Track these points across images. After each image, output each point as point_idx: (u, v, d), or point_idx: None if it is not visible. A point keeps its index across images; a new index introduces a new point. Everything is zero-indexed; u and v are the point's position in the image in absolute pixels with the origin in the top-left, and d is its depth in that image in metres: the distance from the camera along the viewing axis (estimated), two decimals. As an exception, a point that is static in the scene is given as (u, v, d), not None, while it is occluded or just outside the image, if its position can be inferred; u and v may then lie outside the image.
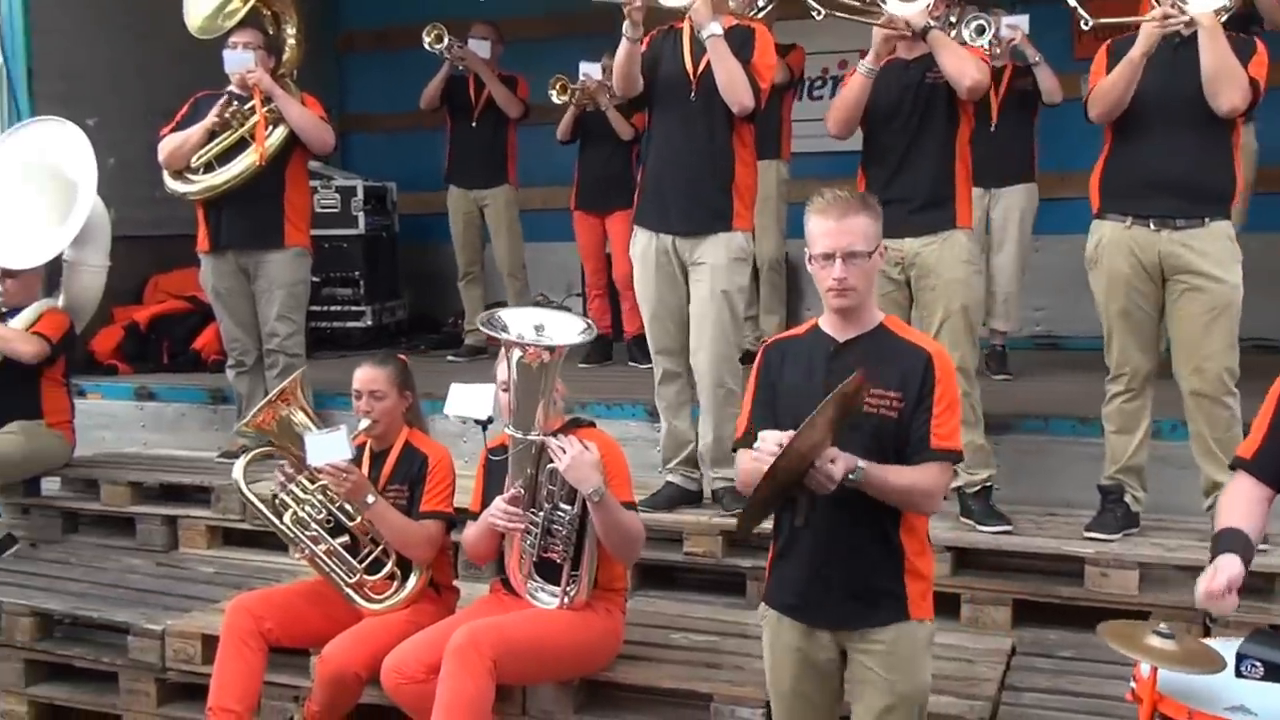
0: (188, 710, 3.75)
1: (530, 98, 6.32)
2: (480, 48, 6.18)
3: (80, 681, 3.99)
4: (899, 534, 2.50)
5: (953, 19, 4.29)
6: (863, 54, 3.79)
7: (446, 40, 6.17)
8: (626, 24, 3.80)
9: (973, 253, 3.84)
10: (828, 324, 2.58)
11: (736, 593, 3.89)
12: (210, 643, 3.57)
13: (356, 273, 6.97)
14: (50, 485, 5.09)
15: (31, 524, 5.00)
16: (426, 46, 6.16)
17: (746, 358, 4.60)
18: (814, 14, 3.62)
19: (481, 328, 3.09)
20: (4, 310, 4.92)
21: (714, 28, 3.78)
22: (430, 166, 6.66)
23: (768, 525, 2.60)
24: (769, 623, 2.63)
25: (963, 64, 3.62)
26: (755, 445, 2.37)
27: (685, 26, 3.93)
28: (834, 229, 2.46)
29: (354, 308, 6.99)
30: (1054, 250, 5.73)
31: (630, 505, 3.15)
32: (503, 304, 6.55)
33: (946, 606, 3.44)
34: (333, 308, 6.86)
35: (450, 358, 6.31)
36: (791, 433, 2.27)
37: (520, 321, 3.03)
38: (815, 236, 2.49)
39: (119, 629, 3.86)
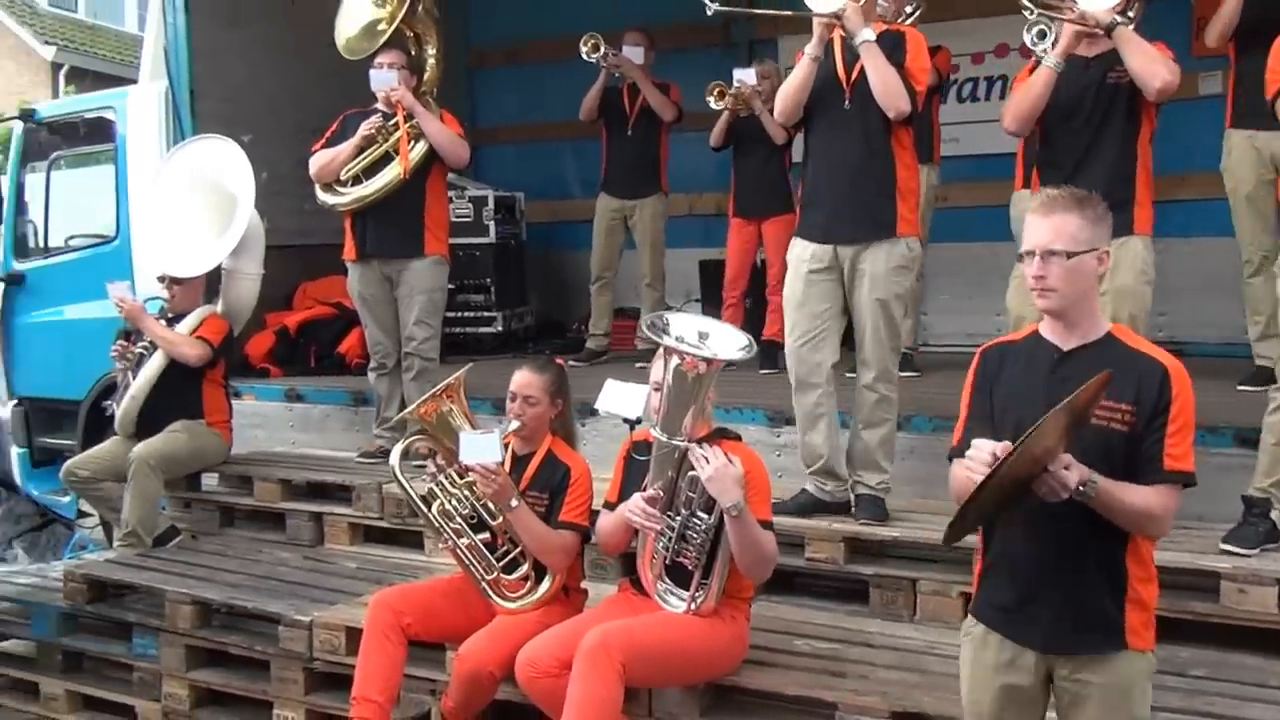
0: (333, 699, 3.84)
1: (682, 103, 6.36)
2: (635, 54, 6.24)
3: (235, 667, 4.14)
4: (1125, 557, 2.35)
5: (1130, 13, 4.06)
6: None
7: (603, 49, 6.26)
8: (813, 43, 3.81)
9: (1147, 262, 3.71)
10: (1049, 330, 2.44)
11: (858, 600, 3.85)
12: (354, 635, 3.69)
13: (488, 279, 7.12)
14: (209, 481, 5.34)
15: (192, 517, 5.28)
16: (584, 56, 6.25)
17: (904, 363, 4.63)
18: (1026, 12, 3.60)
19: (645, 330, 3.10)
20: (169, 316, 5.19)
21: (867, 34, 3.76)
22: (556, 176, 6.79)
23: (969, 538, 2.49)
24: (973, 639, 2.49)
25: (1152, 64, 3.53)
26: (968, 454, 2.26)
27: (836, 34, 3.90)
28: (1037, 225, 2.36)
29: (485, 313, 7.14)
30: (1175, 253, 5.52)
31: (767, 524, 3.13)
32: (637, 311, 6.68)
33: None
34: (465, 313, 7.01)
35: (571, 362, 6.40)
36: (1007, 444, 2.17)
37: (685, 327, 3.05)
38: (1025, 234, 2.40)
39: (271, 619, 4.01)
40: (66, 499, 6.39)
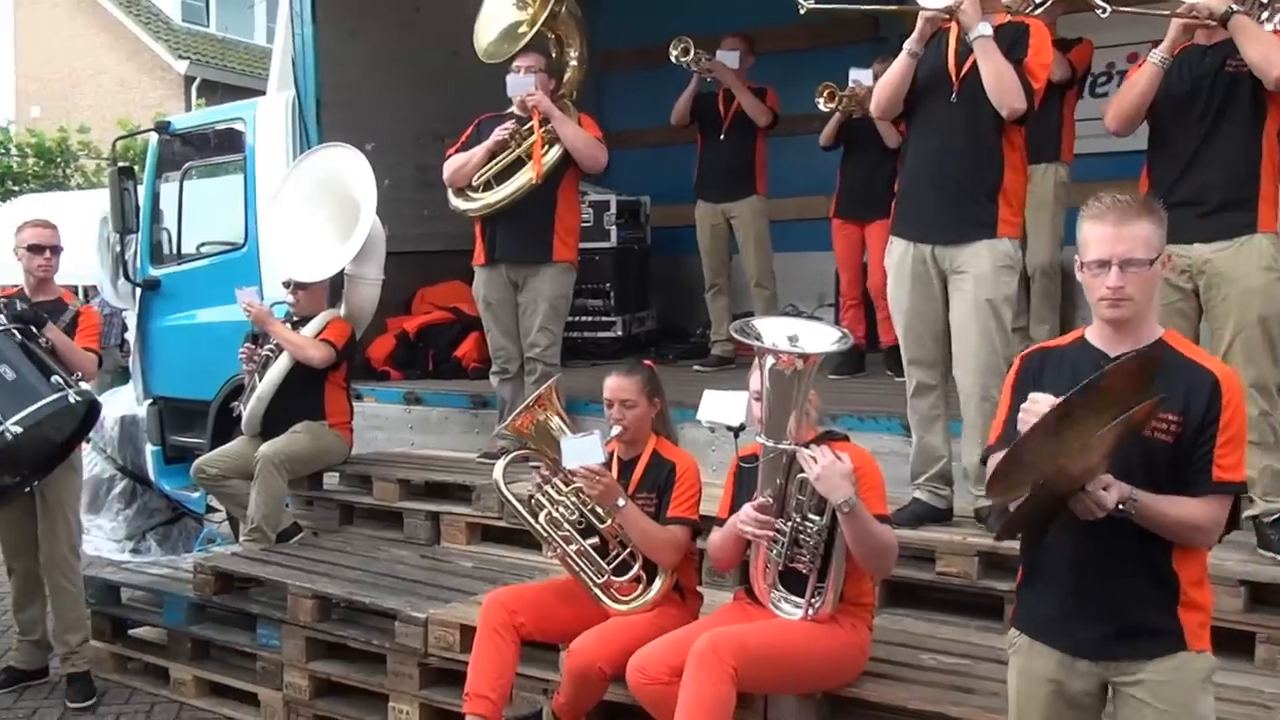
0: (447, 694, 3.89)
1: (783, 108, 6.29)
2: (729, 58, 6.19)
3: (353, 660, 4.22)
4: (1171, 563, 2.30)
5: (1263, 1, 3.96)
6: (1154, 45, 3.57)
7: (693, 53, 6.22)
8: (914, 37, 3.70)
9: (1276, 259, 3.49)
10: (1097, 336, 2.40)
11: (990, 616, 3.71)
12: (468, 632, 3.71)
13: (607, 284, 7.12)
14: (330, 480, 5.45)
15: (314, 515, 5.39)
16: (673, 60, 6.22)
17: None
18: (1099, 11, 3.45)
19: (734, 335, 3.07)
20: (294, 320, 5.31)
21: (983, 28, 3.61)
22: (682, 180, 6.75)
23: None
24: (1019, 649, 2.46)
25: (1270, 52, 3.33)
26: (1023, 406, 2.22)
27: (951, 26, 3.76)
28: (1111, 234, 2.28)
29: (604, 318, 7.15)
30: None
31: (884, 518, 3.07)
32: (750, 314, 6.61)
33: (1239, 646, 3.20)
34: (584, 318, 6.99)
35: (697, 368, 6.36)
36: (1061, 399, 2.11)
37: (774, 330, 3.01)
38: (1090, 242, 2.32)
39: (388, 615, 4.06)
40: (196, 495, 6.56)
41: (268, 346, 5.23)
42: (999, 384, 3.70)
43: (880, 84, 3.89)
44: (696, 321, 7.37)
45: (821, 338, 3.03)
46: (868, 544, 3.00)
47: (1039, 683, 2.40)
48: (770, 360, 2.94)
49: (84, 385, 4.43)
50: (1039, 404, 2.18)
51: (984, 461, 2.50)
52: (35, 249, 4.72)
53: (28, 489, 4.52)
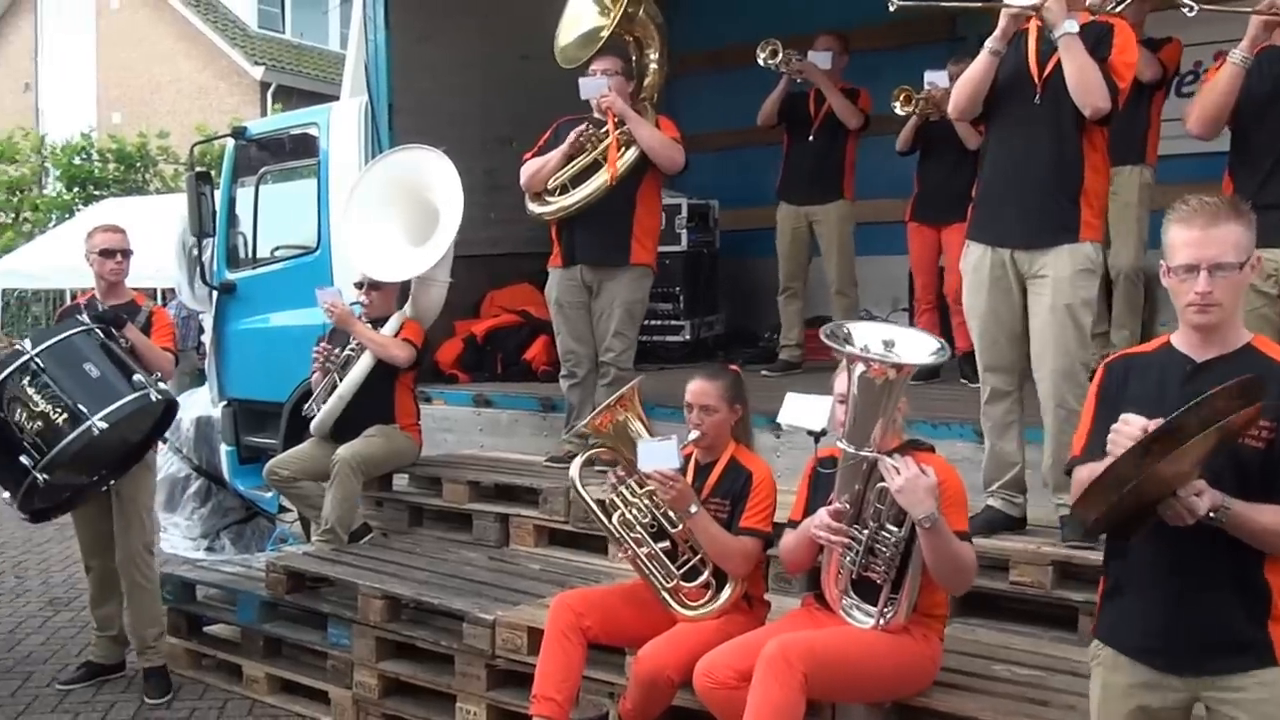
0: (514, 696, 3.90)
1: (871, 110, 6.22)
2: (821, 59, 6.11)
3: (421, 661, 4.24)
4: (1263, 574, 2.23)
5: None
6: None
7: (782, 55, 6.15)
8: (996, 35, 3.63)
9: None
10: (1183, 342, 2.34)
11: (1065, 627, 3.64)
12: (535, 634, 3.72)
13: (676, 288, 7.10)
14: (400, 482, 5.50)
15: (384, 516, 5.43)
16: (761, 62, 6.15)
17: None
18: (1185, 10, 3.37)
19: (825, 340, 2.99)
20: (366, 320, 5.32)
21: (1069, 26, 3.53)
22: (752, 183, 6.71)
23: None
24: (1102, 662, 2.39)
25: None
26: (1114, 427, 2.16)
27: (1032, 25, 3.69)
28: (1199, 238, 2.22)
29: (673, 322, 7.13)
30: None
31: (964, 535, 3.01)
32: (827, 319, 6.54)
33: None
34: (653, 322, 6.93)
35: (764, 372, 6.31)
36: (1158, 421, 2.05)
37: (869, 335, 2.95)
38: (1176, 246, 2.26)
39: (456, 616, 4.08)
40: (269, 495, 6.63)
41: (350, 347, 5.25)
42: (1076, 391, 3.67)
43: (959, 84, 3.82)
44: (765, 326, 7.32)
45: (918, 347, 2.95)
46: (946, 561, 2.94)
47: (1122, 697, 2.33)
48: (861, 367, 2.87)
49: (163, 385, 4.49)
50: (1131, 425, 2.12)
51: (1068, 472, 2.43)
52: (106, 253, 4.79)
53: (105, 488, 4.60)
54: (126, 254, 4.85)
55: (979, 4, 3.84)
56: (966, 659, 3.44)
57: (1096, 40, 3.60)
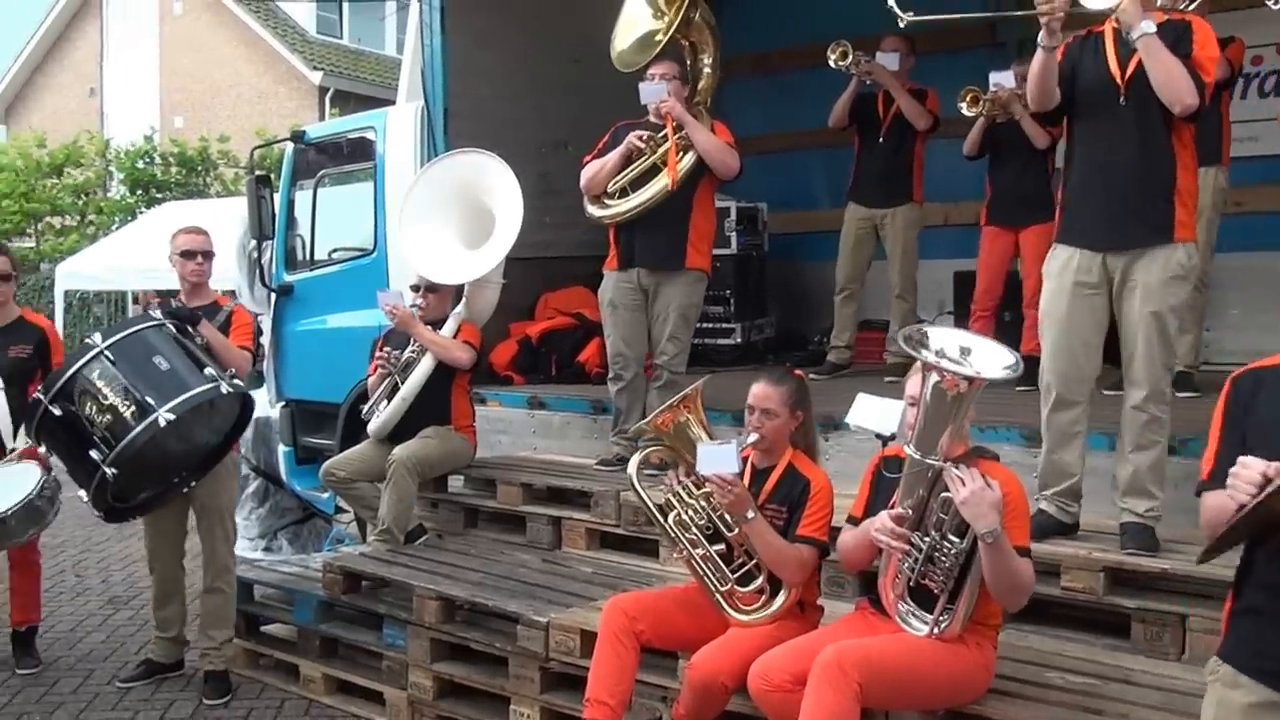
0: (567, 699, 3.91)
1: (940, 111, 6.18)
2: (888, 60, 6.10)
3: (476, 662, 4.27)
4: None
5: None
6: None
7: (852, 56, 6.14)
8: (1042, 33, 3.60)
9: None
10: None
11: (1118, 634, 3.60)
12: (588, 637, 3.73)
13: (727, 291, 7.10)
14: (455, 483, 5.54)
15: (439, 517, 5.47)
16: (832, 64, 6.14)
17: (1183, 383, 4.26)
18: (1271, 3, 3.30)
19: (901, 344, 2.98)
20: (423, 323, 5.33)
21: (1146, 26, 3.51)
22: (798, 186, 6.69)
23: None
24: (1221, 679, 2.31)
25: None
26: (1232, 471, 2.08)
27: (1107, 28, 3.68)
28: None
29: (724, 325, 7.13)
30: None
31: (1024, 551, 2.99)
32: (885, 324, 6.52)
33: None
34: (704, 324, 6.87)
35: (812, 376, 6.27)
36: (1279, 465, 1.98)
37: (946, 341, 2.93)
38: None
39: (510, 618, 4.11)
40: (325, 495, 6.67)
41: (410, 349, 5.28)
42: (1158, 396, 3.66)
43: (1029, 86, 3.80)
44: (814, 329, 7.30)
45: (994, 360, 2.92)
46: (1004, 577, 2.93)
47: (1239, 715, 2.26)
48: (935, 376, 2.86)
49: (237, 380, 4.49)
50: (1250, 470, 2.04)
51: (1199, 494, 2.34)
52: (187, 255, 4.84)
53: (185, 490, 4.63)
54: (208, 255, 4.88)
55: (1049, 8, 3.78)
56: (1019, 666, 3.41)
57: (1176, 38, 3.57)
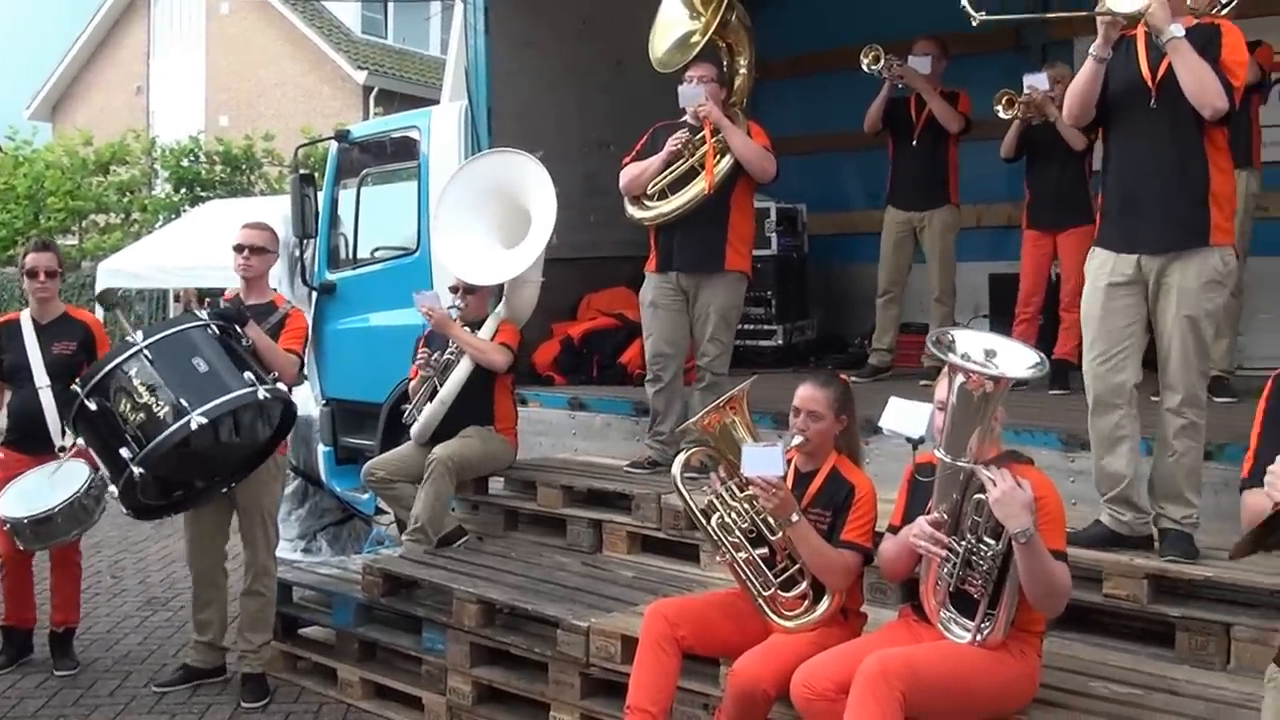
0: (608, 705, 3.88)
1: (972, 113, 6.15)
2: (920, 64, 6.10)
3: (515, 667, 4.24)
4: None
5: None
6: None
7: (884, 60, 6.14)
8: (1098, 41, 3.59)
9: None
10: None
11: (1162, 643, 3.55)
12: (629, 643, 3.71)
13: (768, 293, 7.09)
14: (495, 485, 5.51)
15: (478, 519, 5.46)
16: (865, 68, 6.14)
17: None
18: None
19: (930, 346, 2.99)
20: (463, 323, 5.32)
21: (1175, 30, 3.51)
22: (839, 188, 6.68)
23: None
24: (1278, 685, 2.30)
25: None
26: (1270, 470, 2.06)
27: (1139, 31, 3.67)
28: None
29: (766, 326, 7.12)
30: None
31: (1060, 554, 2.96)
32: (924, 326, 6.47)
33: None
34: (745, 326, 6.86)
35: (853, 378, 6.24)
36: None
37: (972, 343, 2.93)
38: None
39: (550, 622, 4.08)
40: (366, 496, 6.70)
41: (449, 351, 5.27)
42: (1193, 400, 3.63)
43: (1069, 95, 3.81)
44: (855, 331, 7.26)
45: (1018, 360, 2.93)
46: (1039, 580, 2.90)
47: None
48: (960, 377, 2.87)
49: (280, 386, 4.46)
50: None
51: (1242, 490, 2.34)
52: (236, 249, 4.84)
53: (225, 490, 4.63)
54: (255, 250, 4.83)
55: (1085, 13, 3.77)
56: (1063, 675, 3.37)
57: (1205, 42, 3.56)
